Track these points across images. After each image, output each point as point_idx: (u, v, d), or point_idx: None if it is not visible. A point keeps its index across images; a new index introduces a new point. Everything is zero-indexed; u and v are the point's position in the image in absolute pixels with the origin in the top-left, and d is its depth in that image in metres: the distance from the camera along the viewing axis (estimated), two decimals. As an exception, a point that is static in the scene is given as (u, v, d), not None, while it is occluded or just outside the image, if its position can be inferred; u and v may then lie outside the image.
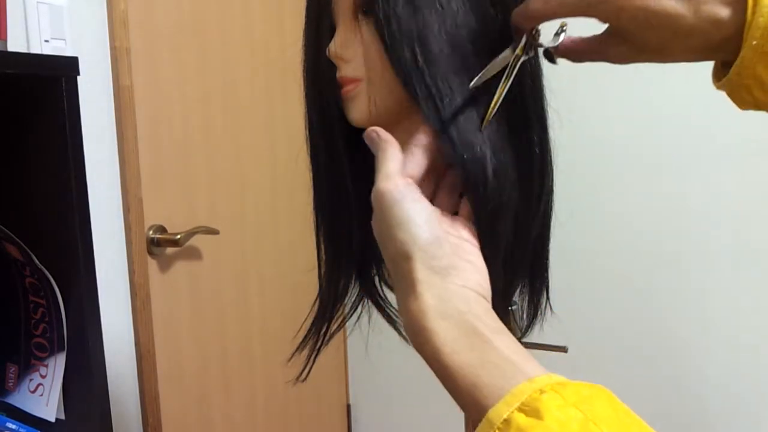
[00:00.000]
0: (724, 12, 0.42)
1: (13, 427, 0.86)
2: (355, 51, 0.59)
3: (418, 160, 0.51)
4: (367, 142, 0.53)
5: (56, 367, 0.87)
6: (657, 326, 1.56)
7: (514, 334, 0.57)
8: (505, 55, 0.50)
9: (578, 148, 1.52)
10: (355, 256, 0.66)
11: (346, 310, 0.69)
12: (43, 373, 0.88)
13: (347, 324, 0.70)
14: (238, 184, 1.60)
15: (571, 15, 0.48)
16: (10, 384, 0.92)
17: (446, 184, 0.54)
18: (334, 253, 0.67)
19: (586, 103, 1.55)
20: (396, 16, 0.54)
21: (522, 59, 0.51)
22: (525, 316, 0.63)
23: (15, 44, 1.09)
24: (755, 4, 0.41)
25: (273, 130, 1.69)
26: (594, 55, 0.51)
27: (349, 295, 0.68)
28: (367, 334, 0.72)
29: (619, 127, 1.56)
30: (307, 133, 0.66)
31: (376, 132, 0.52)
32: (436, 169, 0.53)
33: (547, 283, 0.65)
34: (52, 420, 0.87)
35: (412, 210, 0.46)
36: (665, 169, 1.52)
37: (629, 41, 0.47)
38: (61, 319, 0.85)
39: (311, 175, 0.66)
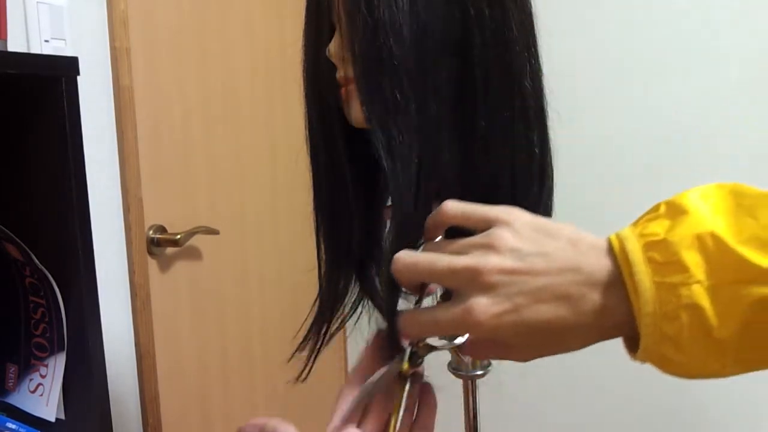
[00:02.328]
0: (606, 301, 0.39)
1: (13, 427, 0.86)
2: (354, 51, 0.59)
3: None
4: None
5: (56, 367, 0.87)
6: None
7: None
8: (391, 369, 0.46)
9: (578, 148, 1.52)
10: (355, 256, 0.66)
11: (346, 310, 0.69)
12: (43, 373, 0.88)
13: (347, 324, 0.70)
14: (238, 184, 1.60)
15: (444, 333, 0.44)
16: (10, 384, 0.92)
17: None
18: (334, 253, 0.67)
19: (586, 103, 1.55)
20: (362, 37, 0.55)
21: (411, 373, 0.46)
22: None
23: (15, 44, 1.09)
24: (636, 292, 0.37)
25: (273, 130, 1.68)
26: (498, 351, 0.45)
27: (349, 295, 0.68)
28: (367, 334, 0.72)
29: (619, 127, 1.56)
30: (307, 133, 0.66)
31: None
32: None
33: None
34: (52, 420, 0.87)
35: None
36: (665, 169, 1.52)
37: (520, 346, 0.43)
38: (61, 319, 0.85)
39: (311, 175, 0.66)
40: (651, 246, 0.38)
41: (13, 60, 0.79)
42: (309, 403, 1.85)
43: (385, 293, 0.58)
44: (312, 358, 0.68)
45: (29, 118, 0.84)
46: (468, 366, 0.69)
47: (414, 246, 0.54)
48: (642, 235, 0.39)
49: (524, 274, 0.39)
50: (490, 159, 0.58)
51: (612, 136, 1.57)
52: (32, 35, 1.11)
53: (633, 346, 0.40)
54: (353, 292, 0.69)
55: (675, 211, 0.39)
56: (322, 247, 0.68)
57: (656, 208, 0.41)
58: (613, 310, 0.39)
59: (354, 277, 0.68)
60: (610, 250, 0.40)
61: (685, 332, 0.36)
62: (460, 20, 0.56)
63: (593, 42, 1.57)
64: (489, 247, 0.41)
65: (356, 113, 0.60)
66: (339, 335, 0.70)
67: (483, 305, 0.39)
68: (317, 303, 0.68)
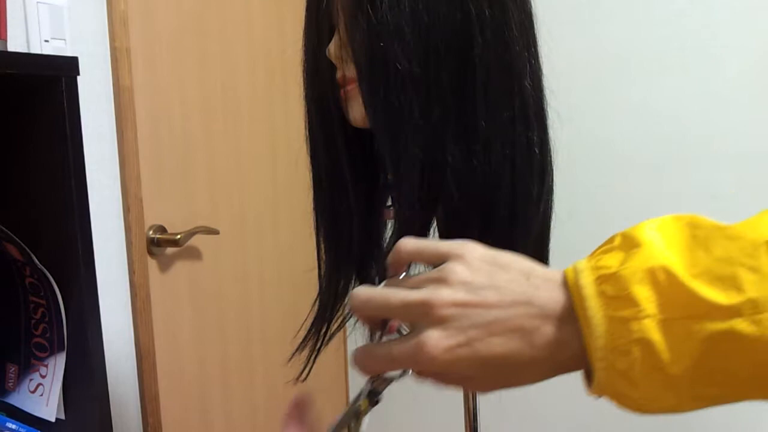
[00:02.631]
0: (559, 335, 0.38)
1: (13, 427, 0.86)
2: (354, 51, 0.59)
3: None
4: None
5: (56, 367, 0.87)
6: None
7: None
8: (351, 410, 0.47)
9: (578, 148, 1.52)
10: (355, 256, 0.66)
11: (346, 310, 0.69)
12: (43, 373, 0.88)
13: (347, 324, 0.70)
14: (238, 184, 1.60)
15: (399, 368, 0.43)
16: (10, 384, 0.92)
17: None
18: (334, 253, 0.67)
19: (586, 103, 1.55)
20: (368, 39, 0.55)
21: (369, 411, 0.47)
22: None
23: (15, 44, 1.09)
24: (588, 326, 0.37)
25: (273, 130, 1.68)
26: (457, 382, 0.44)
27: (349, 295, 0.68)
28: (367, 334, 0.72)
29: (619, 127, 1.56)
30: (307, 133, 0.66)
31: None
32: None
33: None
34: (52, 420, 0.87)
35: None
36: (665, 169, 1.52)
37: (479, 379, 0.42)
38: (61, 319, 0.85)
39: (311, 175, 0.66)
40: (603, 279, 0.37)
41: (13, 60, 0.79)
42: (309, 403, 1.84)
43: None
44: (312, 358, 0.68)
45: (29, 118, 0.84)
46: None
47: None
48: (595, 268, 0.38)
49: (476, 307, 0.39)
50: (490, 159, 0.58)
51: (612, 136, 1.57)
52: (32, 35, 1.11)
53: (590, 380, 0.39)
54: (353, 292, 0.69)
55: (629, 243, 0.38)
56: (322, 247, 0.68)
57: (611, 239, 0.40)
58: (567, 344, 0.38)
59: (354, 277, 0.68)
60: (565, 283, 0.39)
61: (637, 367, 0.36)
62: (461, 21, 0.56)
63: (593, 42, 1.57)
64: (441, 281, 0.40)
65: (356, 113, 0.60)
66: (339, 335, 0.70)
67: (435, 339, 0.39)
68: (317, 303, 0.68)
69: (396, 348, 0.41)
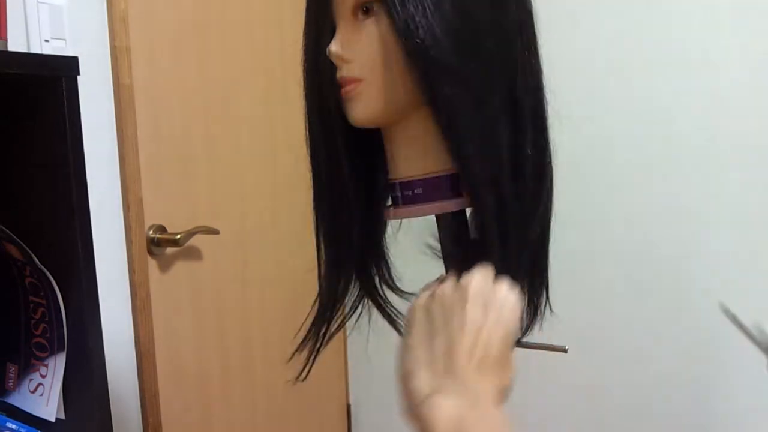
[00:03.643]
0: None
1: (13, 427, 0.86)
2: (355, 51, 0.59)
3: None
4: None
5: (56, 367, 0.87)
6: (657, 326, 1.56)
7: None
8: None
9: (578, 148, 1.52)
10: (355, 256, 0.66)
11: (346, 310, 0.69)
12: (43, 373, 0.88)
13: (347, 324, 0.70)
14: (238, 184, 1.60)
15: None
16: (10, 384, 0.92)
17: None
18: (334, 253, 0.67)
19: (586, 103, 1.55)
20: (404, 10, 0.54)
21: None
22: (525, 315, 0.63)
23: (15, 44, 1.09)
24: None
25: (273, 130, 1.68)
26: None
27: (349, 295, 0.68)
28: (367, 334, 0.72)
29: (619, 127, 1.56)
30: (307, 133, 0.66)
31: None
32: None
33: (547, 282, 0.65)
34: (52, 420, 0.87)
35: None
36: (665, 169, 1.52)
37: None
38: (61, 319, 0.85)
39: (311, 175, 0.66)
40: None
41: (13, 60, 0.79)
42: (309, 403, 1.84)
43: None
44: (312, 358, 0.68)
45: (29, 118, 0.84)
46: None
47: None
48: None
49: None
50: (490, 160, 0.58)
51: (612, 136, 1.57)
52: (32, 35, 1.11)
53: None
54: (353, 292, 0.69)
55: None
56: (322, 247, 0.68)
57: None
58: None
59: (354, 277, 0.68)
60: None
61: None
62: (461, 20, 0.56)
63: (593, 42, 1.57)
64: None
65: (356, 113, 0.60)
66: (339, 335, 0.70)
67: None
68: (317, 303, 0.68)
69: None
